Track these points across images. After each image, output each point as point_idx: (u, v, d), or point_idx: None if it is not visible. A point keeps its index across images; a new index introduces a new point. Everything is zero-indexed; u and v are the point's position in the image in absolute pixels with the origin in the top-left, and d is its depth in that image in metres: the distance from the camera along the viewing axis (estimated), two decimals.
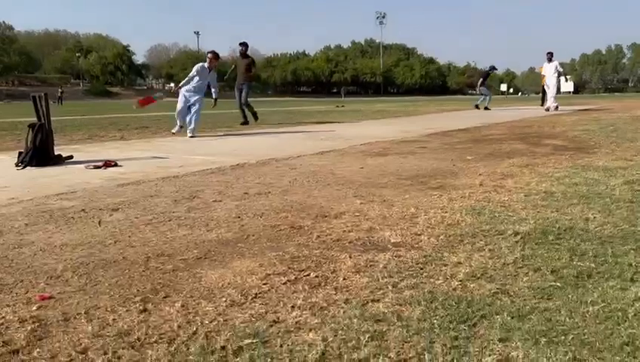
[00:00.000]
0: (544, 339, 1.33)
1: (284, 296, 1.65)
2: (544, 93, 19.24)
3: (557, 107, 15.34)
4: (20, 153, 4.86)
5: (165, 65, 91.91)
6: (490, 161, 4.63)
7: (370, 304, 1.57)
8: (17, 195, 3.36)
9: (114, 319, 1.50)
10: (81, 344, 1.35)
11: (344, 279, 1.79)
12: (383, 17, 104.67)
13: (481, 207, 2.81)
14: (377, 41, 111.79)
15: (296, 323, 1.46)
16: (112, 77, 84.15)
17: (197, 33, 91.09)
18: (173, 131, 8.36)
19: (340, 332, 1.39)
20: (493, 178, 3.73)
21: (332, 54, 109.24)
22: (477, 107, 17.53)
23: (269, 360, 1.26)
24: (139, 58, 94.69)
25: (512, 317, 1.45)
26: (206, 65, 8.38)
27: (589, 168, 4.05)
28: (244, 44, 10.87)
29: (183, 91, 8.24)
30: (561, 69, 15.82)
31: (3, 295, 1.69)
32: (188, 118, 8.14)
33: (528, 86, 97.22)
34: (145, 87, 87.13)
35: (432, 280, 1.76)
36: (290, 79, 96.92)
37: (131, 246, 2.22)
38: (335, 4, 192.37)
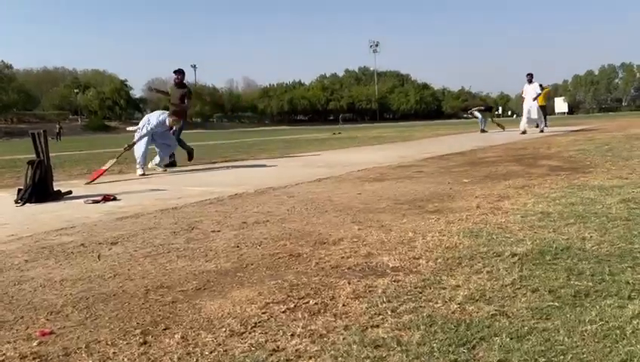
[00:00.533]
0: (543, 359, 1.33)
1: (284, 325, 1.65)
2: (538, 114, 19.41)
3: (542, 130, 14.91)
4: (20, 190, 4.89)
5: (163, 99, 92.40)
6: (486, 183, 4.67)
7: (369, 329, 1.58)
8: (17, 232, 3.37)
9: (114, 352, 1.50)
10: None
11: (343, 305, 1.80)
12: (377, 46, 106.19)
13: (478, 229, 2.83)
14: (371, 68, 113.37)
15: (295, 351, 1.46)
16: (110, 112, 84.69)
17: (194, 66, 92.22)
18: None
19: (339, 359, 1.40)
20: (490, 200, 3.76)
21: (327, 82, 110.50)
22: (483, 131, 17.65)
23: None
24: (136, 92, 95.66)
25: (511, 339, 1.46)
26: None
27: (584, 188, 4.08)
28: (179, 72, 9.35)
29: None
30: (540, 91, 15.55)
31: (4, 331, 1.69)
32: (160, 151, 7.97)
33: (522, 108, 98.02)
34: None
35: (430, 303, 1.76)
36: (286, 108, 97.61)
37: (130, 279, 2.23)
38: (330, 35, 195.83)
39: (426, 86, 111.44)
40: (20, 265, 2.53)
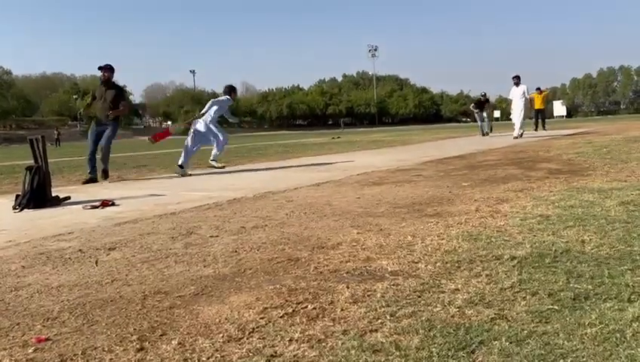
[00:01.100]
0: None
1: (282, 330, 1.64)
2: (536, 117, 19.42)
3: (521, 134, 14.55)
4: (18, 196, 4.88)
5: (162, 104, 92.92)
6: (485, 187, 4.66)
7: (368, 334, 1.57)
8: (14, 238, 3.36)
9: (111, 359, 1.49)
10: None
11: (342, 310, 1.79)
12: (375, 50, 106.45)
13: (477, 232, 2.82)
14: (370, 73, 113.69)
15: (294, 356, 1.45)
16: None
17: (192, 72, 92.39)
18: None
19: None
20: (489, 203, 3.75)
21: (326, 87, 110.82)
22: (485, 134, 17.66)
23: None
24: (136, 98, 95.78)
25: (511, 342, 1.45)
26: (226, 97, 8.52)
27: (584, 190, 4.08)
28: (107, 68, 7.52)
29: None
30: (527, 95, 15.29)
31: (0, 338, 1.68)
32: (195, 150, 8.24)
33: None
34: (142, 127, 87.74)
35: (429, 307, 1.75)
36: (285, 113, 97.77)
37: (128, 285, 2.22)
38: (328, 40, 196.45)
39: (424, 90, 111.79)
40: (17, 271, 2.52)
